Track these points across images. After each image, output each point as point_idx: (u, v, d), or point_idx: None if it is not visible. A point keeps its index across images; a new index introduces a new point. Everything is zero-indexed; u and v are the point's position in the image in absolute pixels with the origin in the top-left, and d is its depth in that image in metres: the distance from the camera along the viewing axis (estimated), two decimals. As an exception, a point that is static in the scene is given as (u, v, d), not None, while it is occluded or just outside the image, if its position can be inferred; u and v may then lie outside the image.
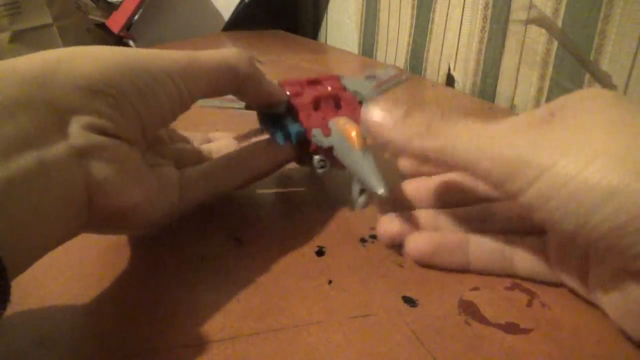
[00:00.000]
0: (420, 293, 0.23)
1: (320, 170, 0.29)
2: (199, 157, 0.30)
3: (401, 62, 0.67)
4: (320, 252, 0.26)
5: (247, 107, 0.30)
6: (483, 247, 0.24)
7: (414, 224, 0.25)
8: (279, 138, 0.28)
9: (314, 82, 0.31)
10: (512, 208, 0.25)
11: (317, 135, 0.28)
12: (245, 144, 0.30)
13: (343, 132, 0.26)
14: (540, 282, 0.24)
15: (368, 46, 0.74)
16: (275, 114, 0.29)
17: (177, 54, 0.23)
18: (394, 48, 0.68)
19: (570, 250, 0.22)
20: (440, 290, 0.23)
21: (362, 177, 0.24)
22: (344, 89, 0.31)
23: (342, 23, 0.80)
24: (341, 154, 0.26)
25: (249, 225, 0.28)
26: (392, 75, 0.36)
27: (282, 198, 0.32)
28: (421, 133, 0.21)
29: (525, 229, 0.24)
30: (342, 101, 0.30)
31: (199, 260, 0.25)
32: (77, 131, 0.19)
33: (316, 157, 0.28)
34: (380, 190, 0.23)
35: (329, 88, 0.31)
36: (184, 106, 0.23)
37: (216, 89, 0.25)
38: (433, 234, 0.24)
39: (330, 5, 0.82)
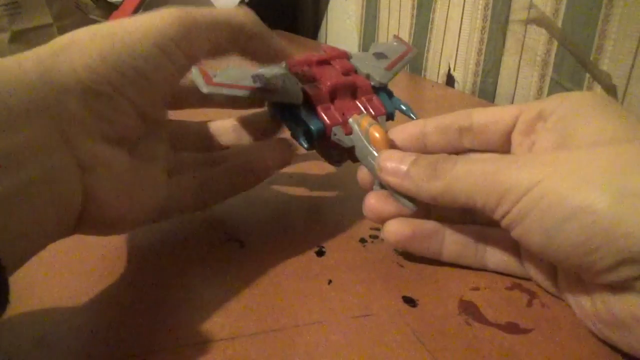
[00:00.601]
0: (421, 293, 0.23)
1: (335, 164, 0.29)
2: (198, 137, 0.29)
3: (401, 62, 0.67)
4: (320, 252, 0.26)
5: (255, 95, 0.27)
6: (457, 238, 0.24)
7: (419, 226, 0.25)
8: (300, 136, 0.26)
9: (323, 62, 0.30)
10: None
11: (338, 134, 0.27)
12: (243, 130, 0.30)
13: (368, 134, 0.26)
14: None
15: (368, 46, 0.74)
16: (288, 106, 0.27)
17: (171, 15, 0.21)
18: (394, 48, 0.68)
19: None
20: (440, 290, 0.23)
21: (388, 188, 0.25)
22: (355, 70, 0.30)
23: (342, 23, 0.80)
24: (364, 156, 0.26)
25: (249, 226, 0.28)
26: (401, 52, 0.33)
27: (282, 198, 0.32)
28: (429, 175, 0.22)
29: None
30: (357, 89, 0.29)
31: (199, 261, 0.25)
32: (80, 141, 0.19)
33: (334, 153, 0.28)
34: (410, 205, 0.24)
35: (338, 68, 0.29)
36: (182, 72, 0.23)
37: (219, 48, 0.23)
38: (412, 220, 0.25)
39: (330, 5, 0.82)
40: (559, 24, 0.46)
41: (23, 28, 0.70)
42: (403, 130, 0.26)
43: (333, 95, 0.28)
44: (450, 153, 0.25)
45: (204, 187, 0.26)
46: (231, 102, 0.30)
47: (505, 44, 0.52)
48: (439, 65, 0.61)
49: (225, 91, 0.26)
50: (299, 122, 0.27)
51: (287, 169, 0.34)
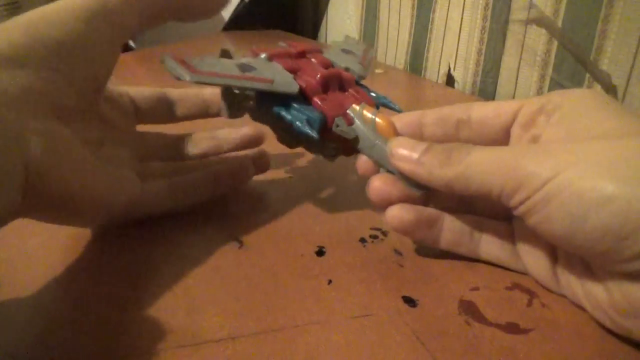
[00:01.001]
0: (420, 293, 0.23)
1: (330, 159, 0.29)
2: (173, 148, 0.30)
3: (401, 62, 0.67)
4: (320, 252, 0.26)
5: (245, 86, 0.25)
6: (455, 226, 0.25)
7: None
8: (304, 126, 0.25)
9: (301, 56, 0.29)
10: None
11: (340, 125, 0.26)
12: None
13: (374, 123, 0.25)
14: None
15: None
16: (278, 101, 0.26)
17: None
18: (394, 48, 0.68)
19: (537, 242, 0.23)
20: (440, 290, 0.23)
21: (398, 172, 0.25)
22: (332, 64, 0.29)
23: (342, 23, 0.80)
24: (369, 146, 0.26)
25: (249, 225, 0.28)
26: (363, 49, 0.33)
27: (282, 198, 0.32)
28: (442, 162, 0.22)
29: (498, 214, 0.25)
30: (344, 82, 0.28)
31: (198, 260, 0.25)
32: (12, 115, 0.19)
33: (331, 146, 0.28)
34: (417, 191, 0.24)
35: (316, 61, 0.29)
36: (115, 43, 0.23)
37: (155, 14, 0.24)
38: (414, 206, 0.25)
39: (330, 5, 0.82)
40: (559, 24, 0.46)
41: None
42: (401, 119, 0.26)
43: (325, 87, 0.27)
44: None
45: (175, 189, 0.27)
46: (204, 111, 0.31)
47: (505, 44, 0.52)
48: (439, 65, 0.61)
49: (217, 80, 0.24)
50: (298, 114, 0.25)
51: (287, 170, 0.34)
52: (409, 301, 0.22)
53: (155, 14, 0.24)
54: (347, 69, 0.29)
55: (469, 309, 0.22)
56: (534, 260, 0.23)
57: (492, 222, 0.25)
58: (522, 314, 0.22)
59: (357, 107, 0.26)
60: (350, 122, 0.26)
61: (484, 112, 0.25)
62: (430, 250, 0.26)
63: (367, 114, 0.26)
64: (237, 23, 0.81)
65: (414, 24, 0.64)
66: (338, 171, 0.34)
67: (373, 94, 0.29)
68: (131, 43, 0.82)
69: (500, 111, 0.25)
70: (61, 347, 0.20)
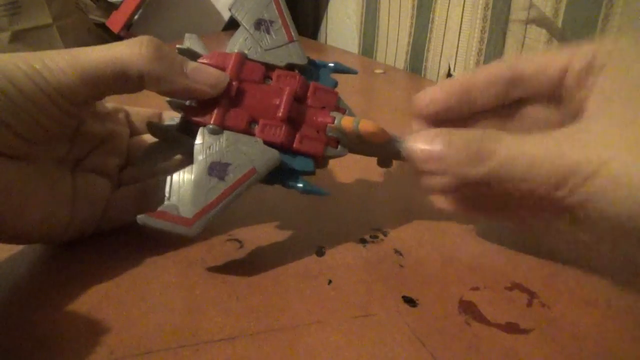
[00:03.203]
0: (420, 293, 0.23)
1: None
2: (122, 138, 0.28)
3: (401, 62, 0.67)
4: (320, 252, 0.26)
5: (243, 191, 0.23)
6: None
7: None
8: (300, 182, 0.25)
9: (238, 93, 0.25)
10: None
11: (331, 153, 0.26)
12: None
13: (361, 134, 0.25)
14: (540, 281, 0.24)
15: (368, 46, 0.74)
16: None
17: (53, 56, 0.21)
18: (393, 48, 0.68)
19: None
20: (440, 290, 0.23)
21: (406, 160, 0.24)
22: (268, 67, 0.26)
23: (341, 23, 0.80)
24: (366, 152, 0.26)
25: (249, 226, 0.28)
26: (272, 1, 0.27)
27: (282, 198, 0.32)
28: (470, 158, 0.20)
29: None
30: (300, 93, 0.26)
31: (199, 261, 0.25)
32: None
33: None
34: None
35: (254, 80, 0.25)
36: (69, 114, 0.22)
37: (104, 92, 0.22)
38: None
39: (330, 5, 0.82)
40: (559, 24, 0.46)
41: (23, 28, 0.70)
42: (450, 85, 0.25)
43: (291, 121, 0.25)
44: (501, 105, 0.24)
45: (144, 196, 0.26)
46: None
47: (505, 44, 0.52)
48: (439, 65, 0.61)
49: (215, 213, 0.22)
50: (290, 173, 0.25)
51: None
52: (409, 301, 0.22)
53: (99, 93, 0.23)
54: (289, 66, 0.26)
55: (469, 309, 0.22)
56: None
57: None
58: (522, 314, 0.22)
59: (335, 125, 0.25)
60: (336, 142, 0.26)
61: (533, 67, 0.23)
62: (430, 250, 0.26)
63: (348, 125, 0.25)
64: (237, 23, 0.80)
65: (413, 24, 0.64)
66: (338, 171, 0.34)
67: (319, 63, 0.27)
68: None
69: (548, 65, 0.23)
70: (62, 347, 0.20)
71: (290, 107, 0.25)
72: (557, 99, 0.24)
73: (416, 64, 0.65)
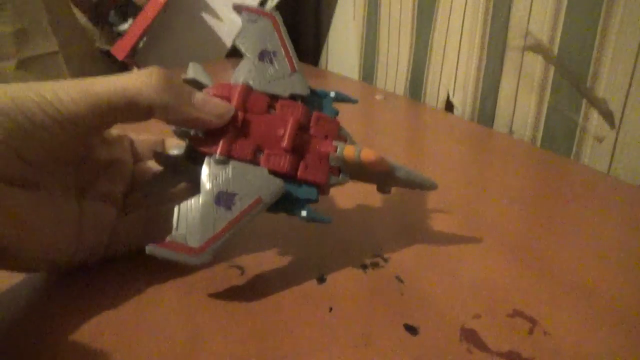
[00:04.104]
0: (422, 321, 0.23)
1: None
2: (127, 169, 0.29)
3: (401, 88, 0.68)
4: (321, 279, 0.26)
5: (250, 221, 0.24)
6: None
7: None
8: (306, 210, 0.25)
9: (244, 124, 0.25)
10: None
11: (334, 182, 0.26)
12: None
13: (362, 163, 0.25)
14: (541, 308, 0.24)
15: (368, 72, 0.75)
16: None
17: (64, 86, 0.21)
18: (393, 74, 0.69)
19: None
20: (441, 318, 0.23)
21: (410, 185, 0.27)
22: (272, 97, 0.26)
23: (342, 50, 0.82)
24: (369, 179, 0.27)
25: (250, 252, 0.28)
26: (275, 30, 0.28)
27: (283, 224, 0.32)
28: None
29: None
30: (303, 122, 0.26)
31: (200, 287, 0.25)
32: None
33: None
34: (435, 186, 0.27)
35: (259, 110, 0.26)
36: (78, 142, 0.23)
37: (113, 121, 0.23)
38: None
39: (331, 33, 0.84)
40: (555, 51, 0.46)
41: (30, 56, 0.71)
42: None
43: (295, 150, 0.26)
44: None
45: (150, 223, 0.27)
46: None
47: (502, 70, 0.53)
48: (438, 91, 0.62)
49: (222, 242, 0.23)
50: (294, 202, 0.25)
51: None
52: (411, 329, 0.22)
53: (108, 122, 0.23)
54: (292, 97, 0.26)
55: (471, 337, 0.22)
56: None
57: None
58: (524, 342, 0.22)
59: (337, 154, 0.26)
60: (338, 170, 0.26)
61: None
62: (431, 277, 0.26)
63: (350, 155, 0.25)
64: (239, 50, 0.82)
65: (412, 52, 0.65)
66: (338, 197, 0.35)
67: (325, 100, 0.28)
68: (135, 69, 0.83)
69: None
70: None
71: (294, 137, 0.25)
72: None
73: (416, 90, 0.66)
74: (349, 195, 0.35)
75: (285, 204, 0.25)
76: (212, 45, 0.81)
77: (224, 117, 0.24)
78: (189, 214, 0.23)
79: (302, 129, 0.26)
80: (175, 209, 0.23)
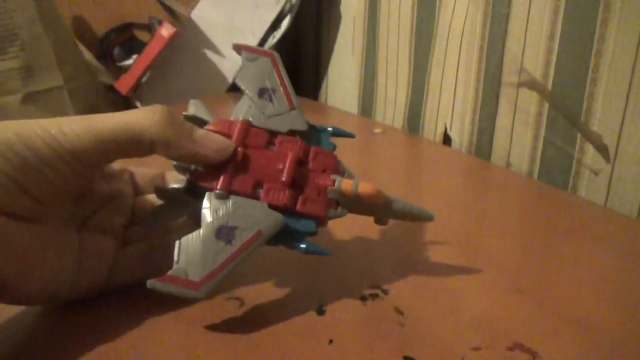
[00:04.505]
0: (422, 353, 0.23)
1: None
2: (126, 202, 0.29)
3: (399, 122, 0.69)
4: (320, 311, 0.26)
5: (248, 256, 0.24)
6: None
7: None
8: (304, 244, 0.26)
9: (243, 159, 0.26)
10: None
11: (332, 215, 0.27)
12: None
13: (359, 197, 0.26)
14: (541, 340, 0.24)
15: (367, 107, 0.76)
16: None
17: (68, 121, 0.22)
18: (392, 108, 0.71)
19: None
20: (441, 350, 0.23)
21: (407, 217, 0.28)
22: (271, 133, 0.27)
23: (341, 84, 0.83)
24: (366, 211, 0.27)
25: (249, 284, 0.28)
26: (273, 68, 0.29)
27: (282, 256, 0.32)
28: None
29: None
30: (302, 157, 0.27)
31: (199, 319, 0.25)
32: None
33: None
34: (432, 217, 0.28)
35: (258, 145, 0.26)
36: (81, 176, 0.23)
37: (116, 156, 0.23)
38: None
39: (330, 68, 0.86)
40: (549, 86, 0.48)
41: (35, 90, 0.72)
42: None
43: (295, 187, 0.26)
44: None
45: (150, 256, 0.27)
46: None
47: (498, 104, 0.54)
48: (436, 125, 0.63)
49: (222, 276, 0.23)
50: (293, 234, 0.26)
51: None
52: (410, 361, 0.22)
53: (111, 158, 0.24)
54: (291, 132, 0.27)
55: (471, 370, 0.22)
56: None
57: None
58: (525, 375, 0.21)
59: (335, 188, 0.26)
60: (336, 204, 0.27)
61: None
62: (430, 308, 0.26)
63: (347, 188, 0.26)
64: (240, 85, 0.83)
65: (410, 86, 0.67)
66: (337, 229, 0.35)
67: (322, 135, 0.28)
68: (137, 103, 0.85)
69: None
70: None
71: (293, 171, 0.26)
72: None
73: (413, 123, 0.67)
74: (347, 227, 0.35)
75: (284, 237, 0.25)
76: (214, 80, 0.83)
77: (224, 153, 0.25)
78: (189, 247, 0.23)
79: (300, 163, 0.27)
80: (177, 243, 0.23)
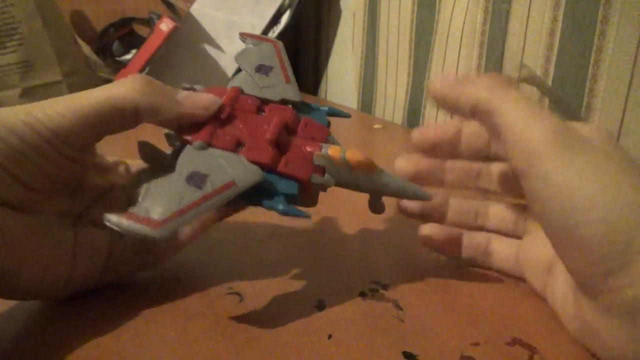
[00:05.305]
0: (421, 349, 0.23)
1: (314, 205, 0.27)
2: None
3: (399, 118, 0.69)
4: (320, 306, 0.26)
5: (216, 204, 0.23)
6: (472, 242, 0.29)
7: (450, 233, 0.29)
8: (292, 209, 0.24)
9: (229, 117, 0.25)
10: (502, 211, 0.30)
11: (318, 181, 0.25)
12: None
13: (347, 162, 0.25)
14: (541, 336, 0.24)
15: (366, 102, 0.76)
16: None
17: (51, 103, 0.22)
18: (391, 104, 0.71)
19: (537, 259, 0.27)
20: (441, 345, 0.23)
21: (400, 194, 0.27)
22: (262, 101, 0.27)
23: (341, 80, 0.83)
24: (356, 184, 0.26)
25: (249, 278, 0.28)
26: (275, 52, 0.29)
27: (282, 251, 0.32)
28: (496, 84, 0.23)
29: (506, 229, 0.29)
30: (290, 124, 0.26)
31: (198, 315, 0.25)
32: None
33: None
34: (426, 196, 0.27)
35: (248, 109, 0.26)
36: (71, 160, 0.23)
37: (103, 131, 0.23)
38: (444, 227, 0.29)
39: (330, 64, 0.86)
40: (549, 82, 0.48)
41: (33, 85, 0.72)
42: (444, 129, 0.29)
43: (278, 146, 0.25)
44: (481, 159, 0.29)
45: (146, 248, 0.27)
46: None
47: (498, 101, 0.54)
48: (436, 121, 0.63)
49: (186, 219, 0.21)
50: (271, 194, 0.24)
51: (287, 223, 0.34)
52: (410, 357, 0.22)
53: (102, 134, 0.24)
54: (283, 102, 0.27)
55: (470, 365, 0.22)
56: (530, 276, 0.27)
57: (500, 237, 0.29)
58: (524, 370, 0.22)
59: (322, 152, 0.25)
60: (322, 170, 0.25)
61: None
62: (430, 304, 0.26)
63: (335, 154, 0.25)
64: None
65: (410, 82, 0.66)
66: (338, 224, 0.35)
67: (315, 107, 0.28)
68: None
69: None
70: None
71: (279, 131, 0.25)
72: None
73: (413, 119, 0.67)
74: (347, 222, 0.35)
75: (263, 195, 0.24)
76: (213, 75, 0.82)
77: (209, 109, 0.25)
78: (157, 189, 0.22)
79: (289, 130, 0.26)
80: (144, 186, 0.23)
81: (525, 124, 0.21)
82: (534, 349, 0.23)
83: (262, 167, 0.24)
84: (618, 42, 0.41)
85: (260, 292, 0.27)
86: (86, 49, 0.86)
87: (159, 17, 0.79)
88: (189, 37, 0.82)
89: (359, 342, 0.23)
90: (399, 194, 0.27)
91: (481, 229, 0.30)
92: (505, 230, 0.29)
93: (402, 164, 0.29)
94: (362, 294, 0.27)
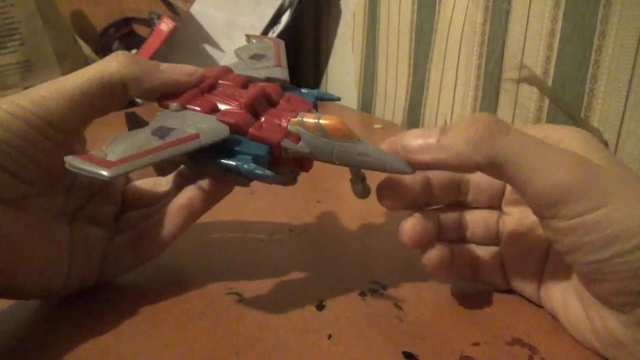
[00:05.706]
0: (421, 348, 0.23)
1: (292, 182, 0.26)
2: (151, 195, 0.29)
3: (399, 118, 0.69)
4: (320, 306, 0.26)
5: (174, 154, 0.22)
6: (459, 257, 0.26)
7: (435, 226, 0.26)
8: (254, 169, 0.22)
9: (213, 86, 0.26)
10: (483, 219, 0.27)
11: (289, 146, 0.24)
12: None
13: (322, 128, 0.23)
14: (541, 336, 0.24)
15: (367, 102, 0.76)
16: (212, 148, 0.23)
17: (37, 89, 0.22)
18: (391, 104, 0.71)
19: (525, 267, 0.26)
20: (440, 345, 0.23)
21: (376, 166, 0.23)
22: (249, 80, 0.27)
23: (341, 80, 0.83)
24: (330, 154, 0.23)
25: (249, 278, 0.28)
26: (273, 46, 0.30)
27: (282, 251, 0.32)
28: (473, 143, 0.21)
29: (489, 240, 0.27)
30: (270, 96, 0.26)
31: (198, 314, 0.25)
32: None
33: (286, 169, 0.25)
34: (408, 169, 0.23)
35: (232, 84, 0.26)
36: (61, 146, 0.23)
37: (90, 112, 0.23)
38: (439, 247, 0.25)
39: (330, 63, 0.86)
40: (549, 82, 0.48)
41: (33, 85, 0.72)
42: (414, 179, 0.25)
43: (255, 112, 0.25)
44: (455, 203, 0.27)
45: (140, 242, 0.26)
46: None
47: (498, 100, 0.54)
48: (436, 121, 0.63)
49: (140, 163, 0.21)
50: (241, 156, 0.23)
51: (286, 223, 0.34)
52: (410, 357, 0.22)
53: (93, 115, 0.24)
54: (268, 79, 0.27)
55: (470, 365, 0.22)
56: (520, 283, 0.26)
57: (485, 248, 0.27)
58: (524, 370, 0.22)
59: (297, 119, 0.24)
60: (297, 138, 0.24)
61: (479, 177, 0.26)
62: (430, 304, 0.26)
63: (309, 120, 0.23)
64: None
65: (410, 82, 0.66)
66: (338, 224, 0.35)
67: (304, 91, 0.28)
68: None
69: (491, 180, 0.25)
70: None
71: (255, 97, 0.25)
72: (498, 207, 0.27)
73: (413, 119, 0.67)
74: (347, 222, 0.35)
75: (231, 156, 0.23)
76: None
77: (192, 76, 0.26)
78: (121, 139, 0.22)
79: (270, 102, 0.26)
80: (111, 137, 0.22)
81: (544, 169, 0.20)
82: (534, 348, 0.23)
83: (234, 129, 0.24)
84: (618, 42, 0.41)
85: (259, 292, 0.27)
86: (86, 49, 0.86)
87: (159, 17, 0.79)
88: (189, 37, 0.82)
89: (358, 342, 0.23)
90: (378, 166, 0.23)
91: (464, 239, 0.27)
92: (483, 236, 0.27)
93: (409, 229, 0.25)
94: (362, 294, 0.27)
